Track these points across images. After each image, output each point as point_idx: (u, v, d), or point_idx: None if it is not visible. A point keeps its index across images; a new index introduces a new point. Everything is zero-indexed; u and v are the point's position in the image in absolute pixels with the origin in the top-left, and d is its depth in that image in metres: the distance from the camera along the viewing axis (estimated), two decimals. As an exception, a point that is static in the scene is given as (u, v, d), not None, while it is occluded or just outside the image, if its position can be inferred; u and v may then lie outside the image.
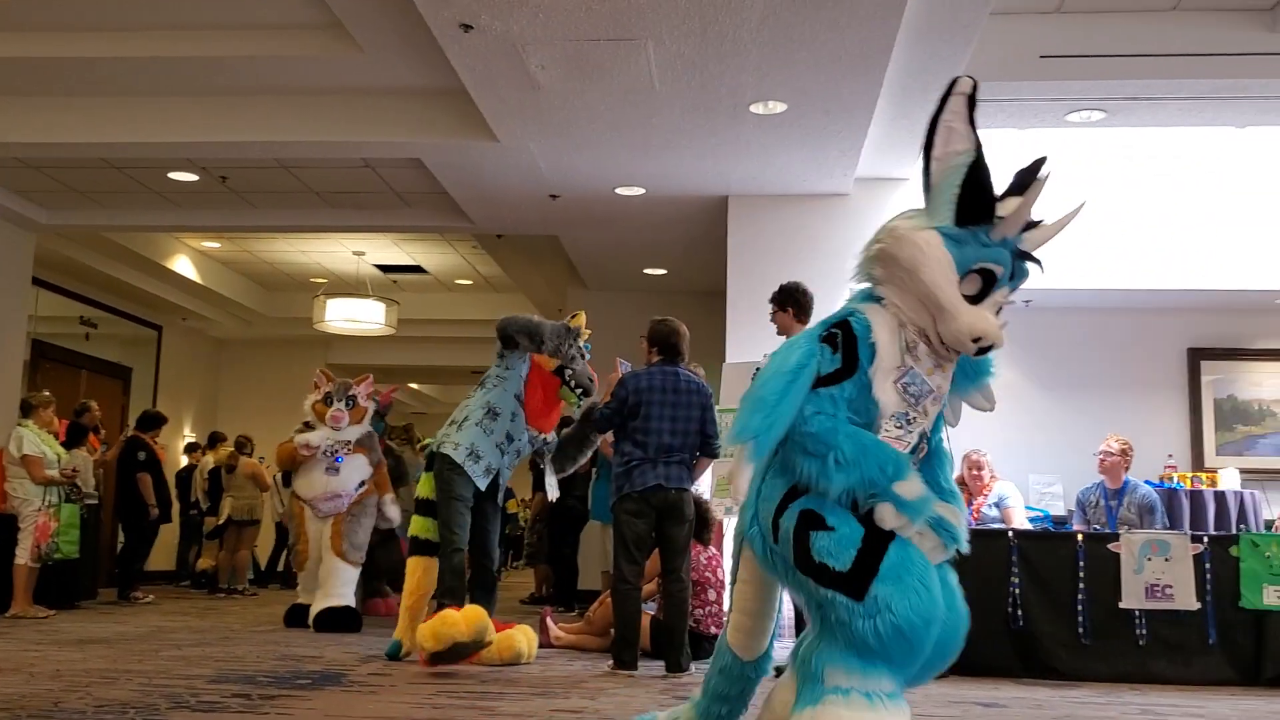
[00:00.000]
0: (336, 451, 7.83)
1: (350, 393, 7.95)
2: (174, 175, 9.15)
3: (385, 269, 13.64)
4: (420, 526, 5.87)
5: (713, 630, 6.39)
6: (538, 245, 11.13)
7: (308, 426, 7.92)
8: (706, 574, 6.31)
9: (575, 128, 7.48)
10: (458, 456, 5.67)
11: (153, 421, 10.76)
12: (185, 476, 12.85)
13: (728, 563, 8.00)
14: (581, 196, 8.91)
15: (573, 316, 6.04)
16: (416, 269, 13.69)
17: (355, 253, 12.85)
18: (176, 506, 12.03)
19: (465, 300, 14.99)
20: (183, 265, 12.79)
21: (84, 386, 12.44)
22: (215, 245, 12.87)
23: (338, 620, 7.50)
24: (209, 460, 12.55)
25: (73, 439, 9.32)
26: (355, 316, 12.59)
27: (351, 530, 7.73)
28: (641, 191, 8.76)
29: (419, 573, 5.83)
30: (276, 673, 5.02)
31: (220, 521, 11.59)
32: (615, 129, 7.49)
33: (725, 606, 6.87)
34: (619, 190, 8.73)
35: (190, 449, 13.49)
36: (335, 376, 8.14)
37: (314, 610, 7.59)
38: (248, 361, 15.67)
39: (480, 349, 16.56)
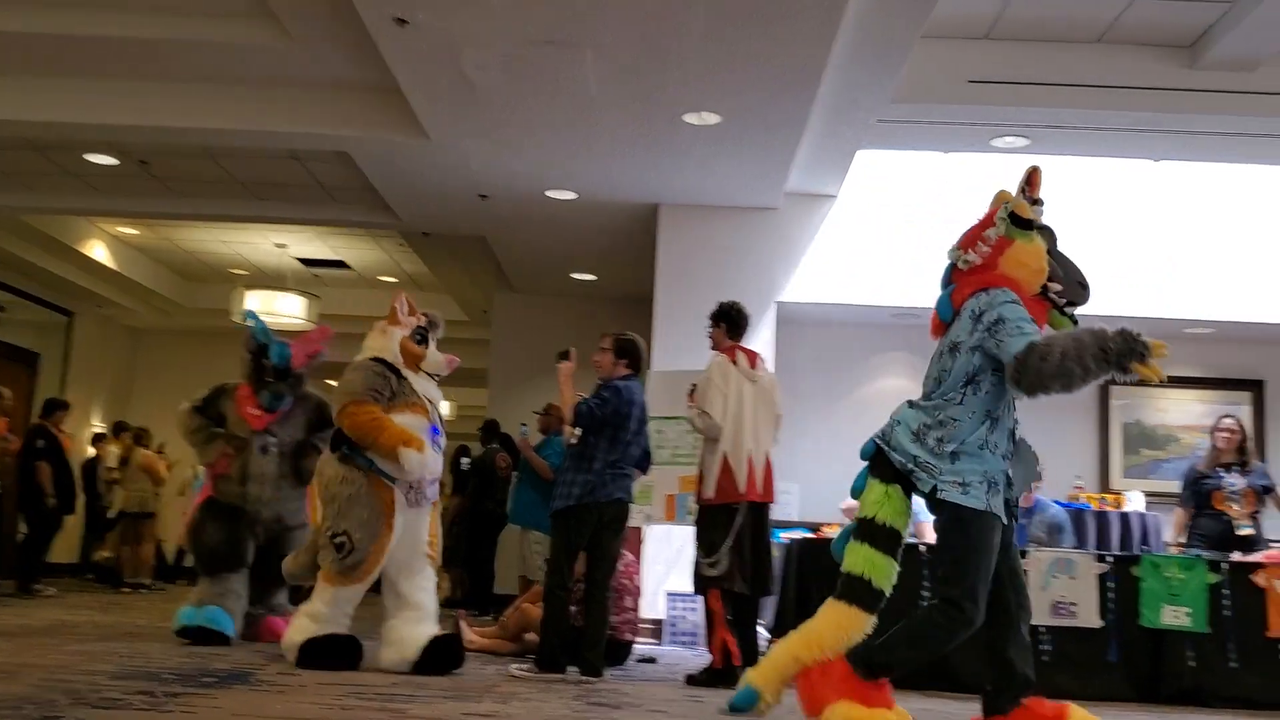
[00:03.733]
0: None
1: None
2: (92, 158, 8.94)
3: (308, 263, 13.44)
4: (868, 563, 3.74)
5: (627, 637, 6.40)
6: (465, 245, 11.06)
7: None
8: (623, 580, 6.33)
9: (509, 129, 7.46)
10: (975, 501, 3.66)
11: (54, 408, 10.46)
12: (91, 467, 12.52)
13: (647, 569, 8.06)
14: (512, 198, 8.89)
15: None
16: (340, 264, 13.51)
17: (277, 245, 12.64)
18: (82, 498, 11.71)
19: (388, 297, 14.68)
20: (98, 251, 12.47)
21: (-11, 371, 12.09)
22: (133, 231, 12.57)
23: (452, 653, 5.36)
24: (113, 450, 12.25)
25: (-23, 425, 9.05)
26: (275, 310, 12.36)
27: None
28: (573, 196, 8.75)
29: (840, 629, 3.75)
30: (182, 670, 4.91)
31: (113, 514, 11.32)
32: (549, 132, 7.48)
33: (641, 613, 6.91)
34: (550, 193, 8.72)
35: (97, 439, 13.15)
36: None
37: (420, 641, 5.25)
38: (163, 352, 15.32)
39: (402, 347, 16.42)
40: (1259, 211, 8.79)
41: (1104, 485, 9.18)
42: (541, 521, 6.68)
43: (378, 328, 5.78)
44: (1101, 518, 8.05)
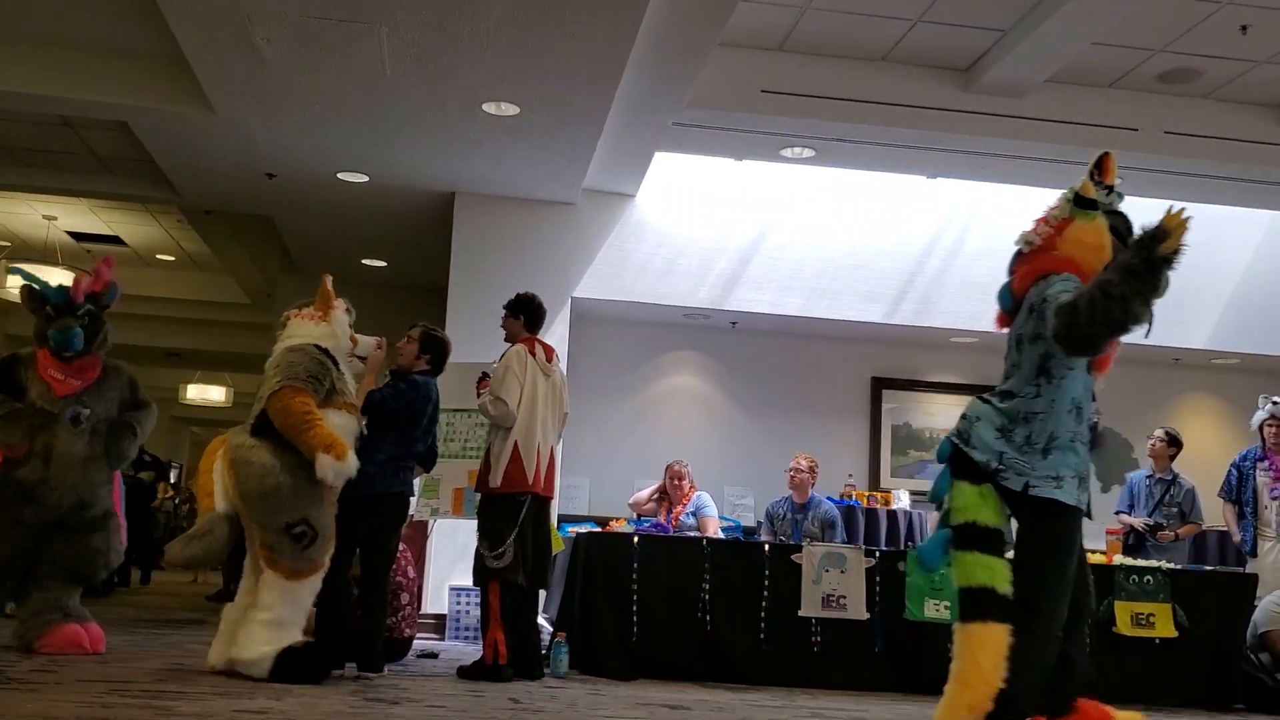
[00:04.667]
0: None
1: None
2: None
3: (79, 237, 12.69)
4: (986, 570, 3.49)
5: (406, 633, 6.30)
6: (249, 225, 10.66)
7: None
8: (399, 577, 6.20)
9: (300, 106, 7.23)
10: (1068, 496, 3.53)
11: None
12: None
13: (431, 563, 7.96)
14: (301, 178, 8.62)
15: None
16: (114, 239, 12.80)
17: (46, 216, 11.89)
18: None
19: (165, 277, 14.14)
20: None
21: None
22: (-125, 193, 11.56)
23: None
24: None
25: None
26: (41, 285, 11.62)
27: None
28: (365, 179, 8.56)
29: (989, 651, 3.44)
30: (-81, 668, 4.56)
31: None
32: (342, 112, 7.30)
33: (424, 608, 6.83)
34: (341, 175, 8.50)
35: None
36: None
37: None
38: (-93, 325, 14.17)
39: (180, 329, 15.69)
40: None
41: (874, 484, 9.64)
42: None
43: (306, 314, 5.35)
44: (871, 514, 8.45)
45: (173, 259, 13.60)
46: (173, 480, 21.87)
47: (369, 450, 5.50)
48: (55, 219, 11.98)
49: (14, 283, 11.39)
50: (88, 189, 9.80)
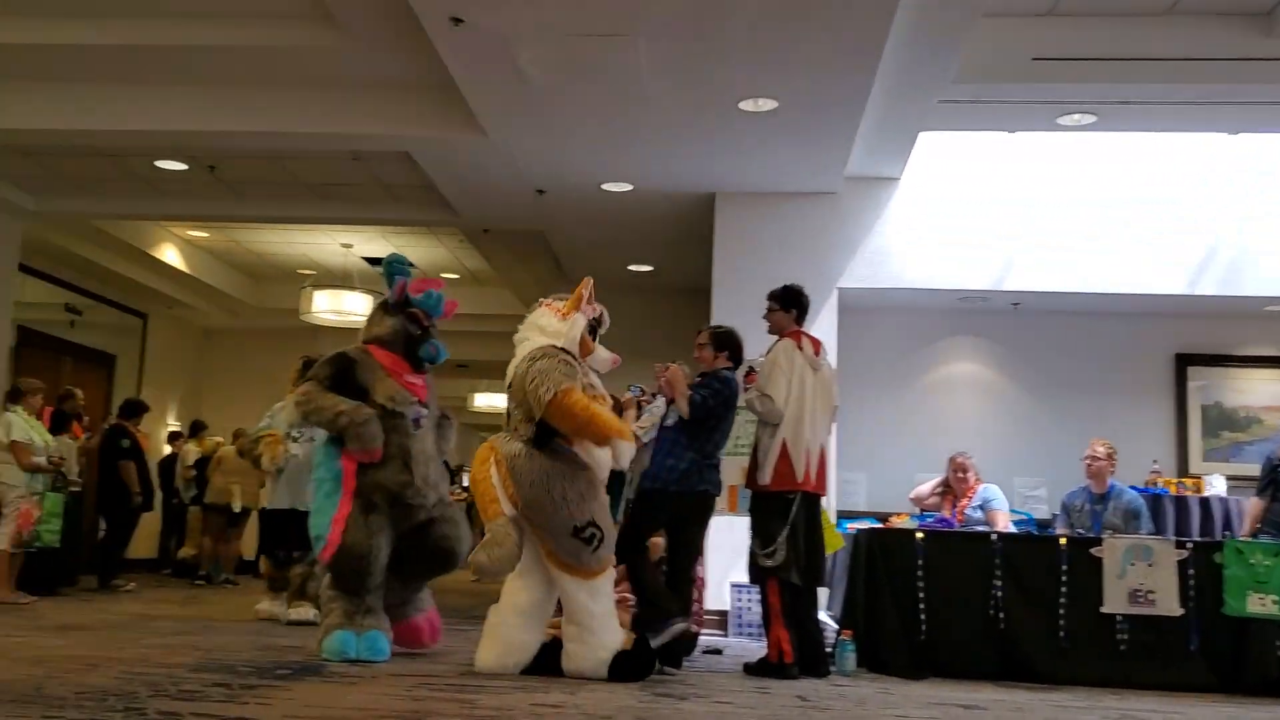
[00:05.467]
0: None
1: None
2: (162, 164, 9.11)
3: (373, 261, 13.59)
4: None
5: (693, 628, 6.37)
6: (524, 240, 11.09)
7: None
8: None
9: (564, 123, 7.46)
10: None
11: (135, 409, 10.72)
12: (168, 465, 12.79)
13: (711, 559, 8.01)
14: (568, 192, 8.89)
15: None
16: (404, 262, 13.63)
17: (343, 245, 12.80)
18: (159, 495, 11.97)
19: (451, 294, 14.75)
20: (169, 254, 12.72)
21: (68, 373, 12.36)
22: (203, 234, 12.80)
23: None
24: (192, 449, 12.51)
25: (56, 426, 9.26)
26: (342, 308, 12.53)
27: None
28: (629, 188, 8.74)
29: None
30: (257, 662, 4.99)
31: (237, 510, 11.49)
32: (604, 125, 7.47)
33: (705, 604, 6.88)
34: (606, 186, 8.71)
35: (173, 438, 13.43)
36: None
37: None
38: (233, 351, 15.59)
39: (464, 342, 16.48)
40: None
41: (1182, 470, 8.96)
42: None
43: (553, 308, 5.32)
44: (1180, 503, 7.86)
45: (456, 276, 14.34)
46: (464, 484, 23.08)
47: (678, 448, 5.60)
48: (351, 246, 12.87)
49: (319, 307, 12.30)
50: (378, 217, 10.47)
